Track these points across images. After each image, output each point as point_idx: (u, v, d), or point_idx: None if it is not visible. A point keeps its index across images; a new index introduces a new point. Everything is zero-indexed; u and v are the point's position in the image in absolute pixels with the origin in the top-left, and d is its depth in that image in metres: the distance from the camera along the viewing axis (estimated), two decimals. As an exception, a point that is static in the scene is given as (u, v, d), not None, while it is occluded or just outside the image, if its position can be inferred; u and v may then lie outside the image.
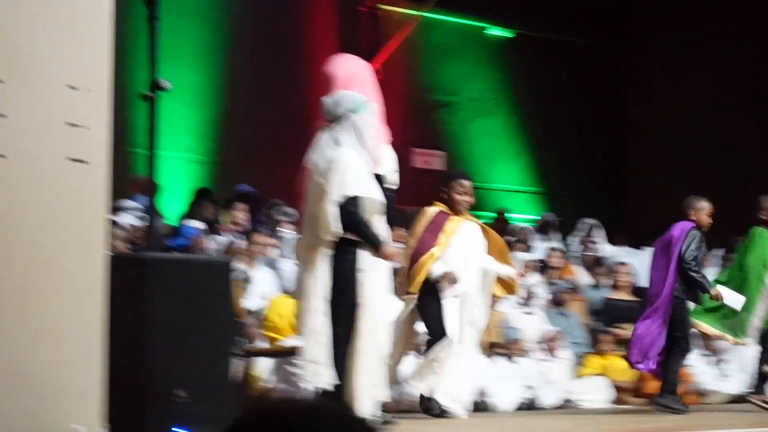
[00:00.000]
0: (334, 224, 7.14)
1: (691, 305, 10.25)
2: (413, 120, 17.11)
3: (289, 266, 11.45)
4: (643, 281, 14.32)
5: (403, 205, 14.99)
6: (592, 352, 12.23)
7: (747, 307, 10.28)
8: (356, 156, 7.27)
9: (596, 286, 13.62)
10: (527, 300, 12.57)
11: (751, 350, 10.88)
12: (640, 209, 18.16)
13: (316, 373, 7.24)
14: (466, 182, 9.63)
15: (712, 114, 17.69)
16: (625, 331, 12.59)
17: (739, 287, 10.28)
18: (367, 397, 7.28)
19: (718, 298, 10.14)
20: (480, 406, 10.75)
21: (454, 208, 9.52)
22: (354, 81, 7.67)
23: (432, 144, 17.57)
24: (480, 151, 17.89)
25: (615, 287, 13.15)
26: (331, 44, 15.96)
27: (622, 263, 13.52)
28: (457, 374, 9.14)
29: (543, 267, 13.83)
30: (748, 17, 17.48)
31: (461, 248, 9.35)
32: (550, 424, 8.61)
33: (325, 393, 7.25)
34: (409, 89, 17.42)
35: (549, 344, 11.83)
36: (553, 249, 14.32)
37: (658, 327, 10.07)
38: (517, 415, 10.57)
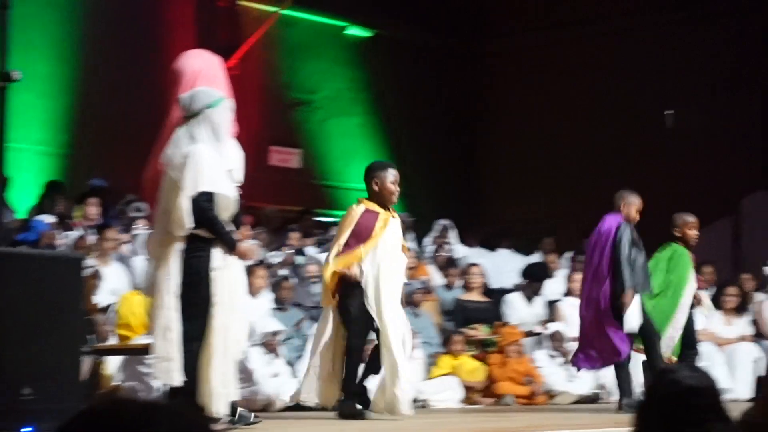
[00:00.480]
0: (186, 220, 7.07)
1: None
2: (270, 117, 17.07)
3: (141, 262, 11.31)
4: (495, 282, 14.52)
5: (259, 203, 14.98)
6: (443, 352, 12.31)
7: (665, 320, 10.40)
8: (211, 152, 7.23)
9: (449, 287, 13.73)
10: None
11: None
12: (493, 211, 18.39)
13: (167, 371, 7.16)
14: (395, 171, 9.12)
15: (564, 117, 17.99)
16: (476, 331, 12.73)
17: (660, 302, 10.44)
18: (219, 395, 7.22)
19: (625, 304, 10.08)
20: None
21: (388, 200, 8.99)
22: (203, 77, 7.61)
23: (289, 142, 17.54)
24: (337, 149, 17.91)
25: (467, 288, 13.28)
26: (189, 38, 15.83)
27: (474, 264, 13.65)
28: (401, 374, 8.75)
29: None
30: (600, 23, 17.81)
31: (387, 248, 8.90)
32: (400, 424, 8.63)
33: (175, 390, 7.18)
34: (266, 86, 17.36)
35: (401, 344, 11.86)
36: (409, 249, 14.38)
37: (599, 326, 10.10)
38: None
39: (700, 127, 16.85)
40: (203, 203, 7.12)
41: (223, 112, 7.36)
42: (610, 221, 10.18)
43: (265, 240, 13.71)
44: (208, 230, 7.17)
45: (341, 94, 18.20)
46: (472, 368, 12.16)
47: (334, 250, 8.91)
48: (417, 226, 16.41)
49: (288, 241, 13.95)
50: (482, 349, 12.61)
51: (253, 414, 7.69)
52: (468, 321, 12.88)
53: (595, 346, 10.13)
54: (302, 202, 16.35)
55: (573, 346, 11.72)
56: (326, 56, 18.08)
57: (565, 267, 14.56)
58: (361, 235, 8.83)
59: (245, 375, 10.11)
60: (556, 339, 12.53)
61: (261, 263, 12.24)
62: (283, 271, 12.69)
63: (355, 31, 18.34)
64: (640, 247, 10.15)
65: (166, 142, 7.42)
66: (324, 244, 14.66)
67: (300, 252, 14.07)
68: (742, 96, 16.68)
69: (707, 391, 3.35)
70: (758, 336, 13.28)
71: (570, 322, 12.07)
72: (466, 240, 15.96)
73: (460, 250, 15.51)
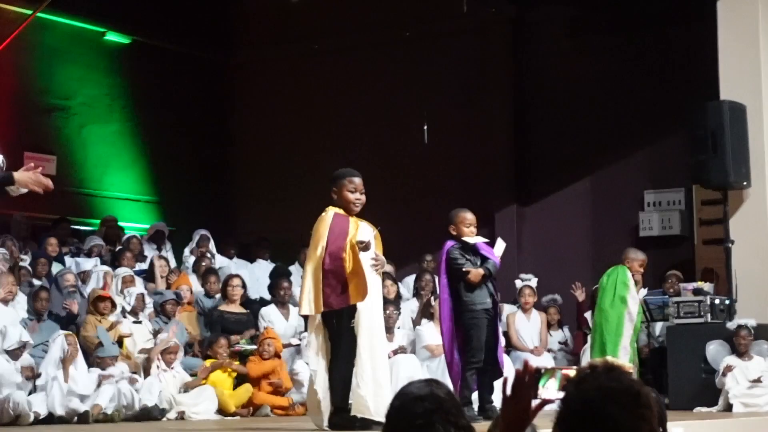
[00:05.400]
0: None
1: (481, 315, 10.11)
2: (25, 123, 16.64)
3: None
4: (254, 293, 14.53)
5: (11, 211, 14.58)
6: (202, 363, 12.23)
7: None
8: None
9: (208, 297, 13.66)
10: (136, 309, 12.46)
11: None
12: (248, 221, 18.36)
13: None
14: (356, 179, 8.83)
15: (318, 128, 18.10)
16: (236, 342, 12.71)
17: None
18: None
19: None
20: (82, 417, 10.55)
21: (347, 208, 8.75)
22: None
23: (44, 148, 17.07)
24: (93, 157, 17.57)
25: (226, 299, 13.23)
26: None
27: (235, 275, 13.60)
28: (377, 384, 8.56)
29: (153, 276, 13.77)
30: (353, 36, 17.98)
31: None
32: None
33: None
34: (21, 91, 16.90)
35: (161, 355, 11.73)
36: (163, 258, 14.27)
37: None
38: (129, 426, 10.40)
39: (452, 142, 17.20)
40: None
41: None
42: (442, 250, 10.21)
43: (12, 248, 13.30)
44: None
45: (99, 100, 17.87)
46: (230, 379, 12.12)
47: (317, 252, 8.58)
48: (174, 236, 16.31)
49: (46, 250, 13.66)
50: (242, 360, 12.62)
51: None
52: (227, 332, 12.86)
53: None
54: (57, 209, 15.98)
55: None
56: (83, 61, 17.73)
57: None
58: (339, 237, 8.56)
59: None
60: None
61: (12, 270, 11.95)
62: (38, 281, 12.41)
63: (114, 37, 18.05)
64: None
65: None
66: (80, 254, 14.40)
67: (59, 260, 13.80)
68: (492, 109, 17.12)
69: (431, 397, 3.50)
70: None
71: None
72: (223, 250, 15.92)
73: (218, 260, 15.45)
